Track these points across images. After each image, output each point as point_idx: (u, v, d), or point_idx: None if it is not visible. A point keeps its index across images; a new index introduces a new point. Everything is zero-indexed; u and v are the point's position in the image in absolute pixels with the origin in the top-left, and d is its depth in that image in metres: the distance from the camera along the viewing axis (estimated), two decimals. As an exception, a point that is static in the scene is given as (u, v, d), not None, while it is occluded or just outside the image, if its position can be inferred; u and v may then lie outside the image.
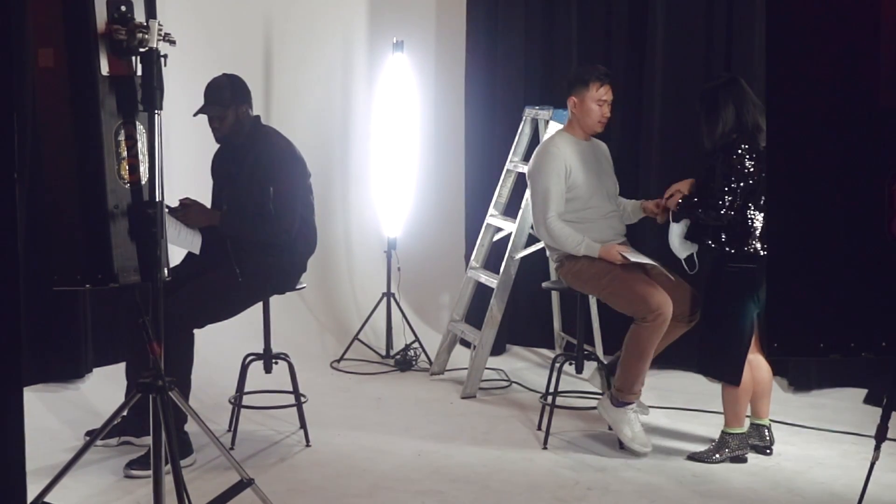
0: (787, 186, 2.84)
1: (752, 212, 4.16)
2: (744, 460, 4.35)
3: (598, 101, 4.64)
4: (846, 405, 5.21)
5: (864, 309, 2.78)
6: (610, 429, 4.62)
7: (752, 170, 4.12)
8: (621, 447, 4.48)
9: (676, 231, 4.43)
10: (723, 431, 4.37)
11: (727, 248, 4.20)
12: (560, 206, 4.60)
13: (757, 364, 4.36)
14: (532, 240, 5.39)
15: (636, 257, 4.52)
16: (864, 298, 2.78)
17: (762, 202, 4.08)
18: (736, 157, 4.13)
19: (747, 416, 4.41)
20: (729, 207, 4.13)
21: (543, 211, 4.61)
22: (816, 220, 2.81)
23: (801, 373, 5.42)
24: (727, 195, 4.12)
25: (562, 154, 4.63)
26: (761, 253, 4.14)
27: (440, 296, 6.54)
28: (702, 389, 5.00)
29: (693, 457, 4.39)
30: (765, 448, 4.43)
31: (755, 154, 4.12)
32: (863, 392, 5.27)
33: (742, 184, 4.12)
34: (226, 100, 4.41)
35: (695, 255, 4.43)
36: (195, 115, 4.45)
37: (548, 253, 4.89)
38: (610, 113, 4.71)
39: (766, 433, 4.45)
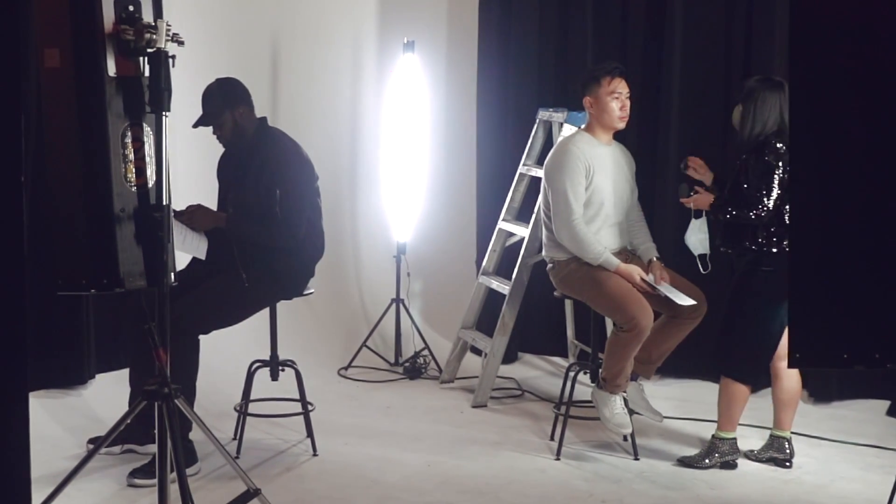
0: (811, 191, 2.79)
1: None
2: (734, 466, 4.30)
3: (612, 94, 4.52)
4: (868, 417, 5.12)
5: (889, 319, 2.73)
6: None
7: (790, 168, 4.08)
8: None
9: (695, 227, 4.35)
10: (713, 436, 4.33)
11: (765, 249, 4.13)
12: (581, 207, 4.49)
13: (787, 372, 4.27)
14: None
15: (662, 288, 4.35)
16: (890, 308, 2.72)
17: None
18: (773, 155, 4.08)
19: (769, 429, 4.35)
20: (765, 205, 4.08)
21: (567, 212, 4.46)
22: (840, 227, 2.76)
23: (822, 384, 5.32)
24: (763, 193, 4.07)
25: (583, 153, 4.50)
26: None
27: (451, 302, 6.43)
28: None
29: (682, 461, 4.35)
30: (785, 461, 4.35)
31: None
32: (885, 404, 5.18)
33: (780, 181, 4.06)
34: (217, 107, 4.34)
35: (707, 258, 4.35)
36: (194, 126, 4.39)
37: (543, 253, 4.76)
38: (629, 107, 4.58)
39: (787, 446, 4.37)
